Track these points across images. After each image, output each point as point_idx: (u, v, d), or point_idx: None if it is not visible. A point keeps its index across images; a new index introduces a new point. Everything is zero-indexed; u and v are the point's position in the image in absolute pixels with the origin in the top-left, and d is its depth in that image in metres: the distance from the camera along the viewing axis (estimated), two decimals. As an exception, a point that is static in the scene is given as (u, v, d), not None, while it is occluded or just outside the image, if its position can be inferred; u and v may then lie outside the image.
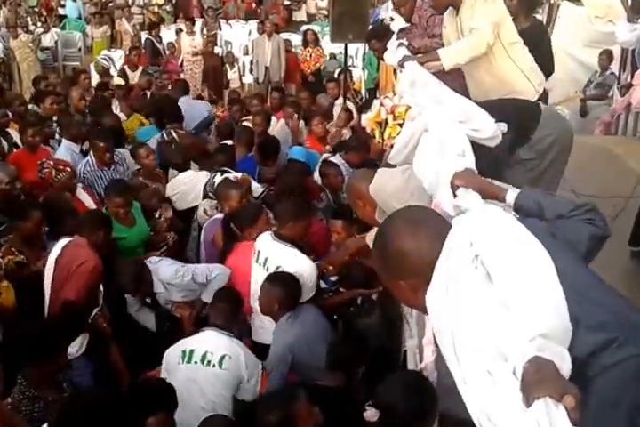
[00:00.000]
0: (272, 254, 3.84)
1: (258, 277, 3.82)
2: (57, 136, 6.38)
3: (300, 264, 3.78)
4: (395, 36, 4.73)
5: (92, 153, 5.39)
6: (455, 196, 2.06)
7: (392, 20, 6.79)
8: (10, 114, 6.79)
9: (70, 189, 4.92)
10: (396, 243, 1.73)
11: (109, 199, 4.65)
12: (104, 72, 10.50)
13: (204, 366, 3.39)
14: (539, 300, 1.47)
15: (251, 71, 11.81)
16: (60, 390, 3.23)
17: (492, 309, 1.55)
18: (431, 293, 1.67)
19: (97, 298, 4.02)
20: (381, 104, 3.11)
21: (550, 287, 1.52)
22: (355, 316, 3.98)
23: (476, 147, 2.90)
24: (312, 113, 6.84)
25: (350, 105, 8.18)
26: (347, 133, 6.65)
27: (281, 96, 7.99)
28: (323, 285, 4.10)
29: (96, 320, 3.93)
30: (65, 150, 5.78)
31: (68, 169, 4.96)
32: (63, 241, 3.97)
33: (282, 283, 3.59)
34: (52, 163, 5.00)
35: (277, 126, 6.62)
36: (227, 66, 11.94)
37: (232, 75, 11.91)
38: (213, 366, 3.39)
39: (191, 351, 3.43)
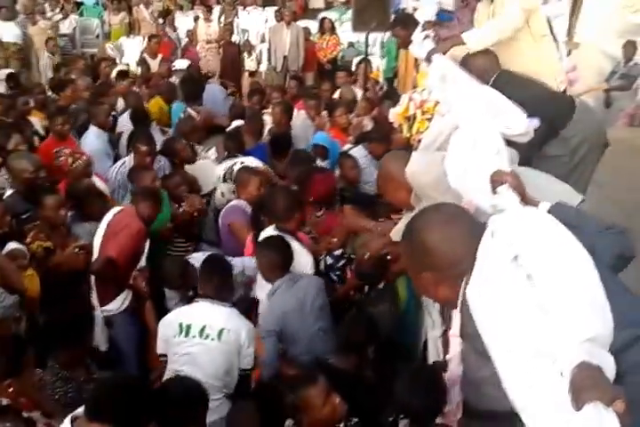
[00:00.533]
0: None
1: None
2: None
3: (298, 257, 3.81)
4: (420, 28, 4.68)
5: (132, 155, 5.36)
6: (494, 193, 2.05)
7: (415, 9, 6.76)
8: (31, 102, 6.84)
9: (87, 176, 4.95)
10: (426, 236, 1.80)
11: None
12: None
13: (202, 340, 3.45)
14: (585, 304, 1.47)
15: (268, 60, 11.74)
16: (90, 370, 3.31)
17: (530, 311, 1.55)
18: (470, 290, 1.68)
19: (138, 258, 4.27)
20: (410, 99, 3.09)
21: (595, 291, 1.52)
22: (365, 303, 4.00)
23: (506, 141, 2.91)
24: (335, 104, 6.78)
25: (371, 94, 8.16)
26: (368, 124, 6.60)
27: (299, 85, 7.98)
28: (329, 260, 4.17)
29: (135, 279, 4.20)
30: (95, 137, 5.85)
31: (84, 157, 5.02)
32: (115, 209, 4.31)
33: (273, 247, 3.69)
34: (67, 151, 5.04)
35: (298, 118, 6.61)
36: (244, 54, 11.87)
37: (249, 63, 11.83)
38: (212, 339, 3.45)
39: (188, 326, 3.48)
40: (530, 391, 1.40)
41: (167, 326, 3.57)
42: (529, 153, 3.12)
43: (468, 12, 4.71)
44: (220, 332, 3.46)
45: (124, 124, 6.49)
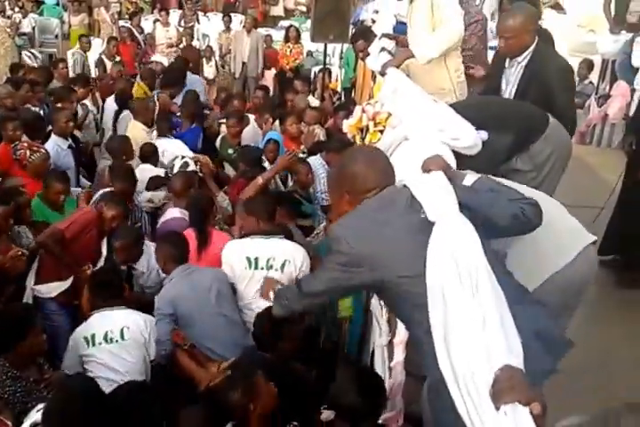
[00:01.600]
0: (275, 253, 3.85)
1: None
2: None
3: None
4: (377, 41, 4.77)
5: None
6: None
7: (374, 22, 6.85)
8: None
9: (45, 170, 4.91)
10: (353, 165, 2.36)
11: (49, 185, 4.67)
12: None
13: (108, 344, 3.57)
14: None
15: (222, 66, 11.79)
16: (42, 370, 3.30)
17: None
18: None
19: (89, 250, 4.31)
20: (363, 110, 3.14)
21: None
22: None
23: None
24: (286, 113, 6.77)
25: (327, 104, 8.22)
26: (320, 133, 6.64)
27: (264, 96, 8.00)
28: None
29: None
30: (52, 146, 5.60)
31: (42, 150, 4.95)
32: None
33: (170, 241, 3.94)
34: (25, 144, 4.97)
35: (249, 126, 6.66)
36: (203, 60, 11.81)
37: (208, 69, 11.77)
38: (116, 341, 3.58)
39: (93, 335, 3.58)
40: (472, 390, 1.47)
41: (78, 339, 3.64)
42: (492, 162, 3.20)
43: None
44: (121, 330, 3.60)
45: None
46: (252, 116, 6.89)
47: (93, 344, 3.59)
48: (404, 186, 2.18)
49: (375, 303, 3.85)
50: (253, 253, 3.81)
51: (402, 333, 3.05)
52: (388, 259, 2.04)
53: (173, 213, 4.64)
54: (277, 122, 6.75)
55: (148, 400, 2.90)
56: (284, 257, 3.81)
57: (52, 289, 4.17)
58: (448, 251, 1.77)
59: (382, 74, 3.95)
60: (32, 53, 12.05)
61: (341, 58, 11.30)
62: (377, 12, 6.30)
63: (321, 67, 9.84)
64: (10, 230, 4.23)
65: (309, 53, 12.05)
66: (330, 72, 10.47)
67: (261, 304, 3.64)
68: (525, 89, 3.68)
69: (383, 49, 4.43)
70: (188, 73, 8.22)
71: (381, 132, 3.14)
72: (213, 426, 2.84)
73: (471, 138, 3.05)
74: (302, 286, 2.49)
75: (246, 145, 6.22)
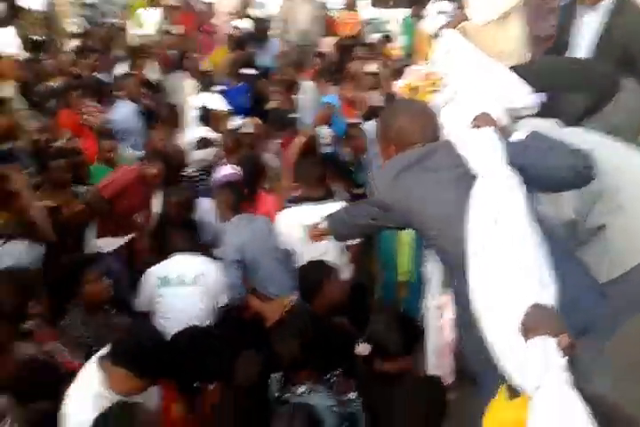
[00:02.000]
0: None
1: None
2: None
3: None
4: (433, 3, 4.68)
5: None
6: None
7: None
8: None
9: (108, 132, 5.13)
10: (401, 120, 2.41)
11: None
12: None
13: (180, 287, 3.78)
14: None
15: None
16: (109, 316, 3.56)
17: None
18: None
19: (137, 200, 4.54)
20: (415, 71, 3.11)
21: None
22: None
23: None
24: (342, 78, 6.74)
25: (385, 71, 8.10)
26: (376, 99, 6.58)
27: (322, 62, 7.97)
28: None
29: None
30: (122, 110, 5.89)
31: (102, 114, 5.17)
32: None
33: (230, 188, 4.19)
34: (90, 108, 5.17)
35: (306, 94, 6.69)
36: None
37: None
38: (188, 285, 3.79)
39: (165, 277, 3.81)
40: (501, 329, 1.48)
41: (150, 281, 3.88)
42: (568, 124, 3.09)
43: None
44: (196, 276, 3.80)
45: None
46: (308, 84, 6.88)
47: (166, 285, 3.78)
48: (449, 140, 2.17)
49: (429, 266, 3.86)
50: (308, 222, 3.82)
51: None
52: (422, 207, 2.07)
53: (226, 169, 4.75)
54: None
55: (213, 345, 3.06)
56: None
57: (109, 244, 4.32)
58: (489, 204, 1.75)
59: (437, 36, 3.87)
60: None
61: (403, 26, 11.11)
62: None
63: (382, 34, 9.70)
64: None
65: (369, 22, 11.85)
66: (389, 39, 10.29)
67: None
68: (602, 44, 3.51)
69: (440, 12, 4.34)
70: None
71: (433, 92, 3.10)
72: (268, 371, 3.04)
73: (526, 99, 2.98)
74: (347, 215, 2.68)
75: (276, 108, 6.27)
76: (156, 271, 3.85)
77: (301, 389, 2.98)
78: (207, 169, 5.15)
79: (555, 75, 3.19)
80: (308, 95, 6.67)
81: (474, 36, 4.22)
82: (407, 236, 4.45)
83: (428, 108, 2.54)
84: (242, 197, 4.15)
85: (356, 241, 4.23)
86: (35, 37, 8.68)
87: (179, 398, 3.03)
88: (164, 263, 3.90)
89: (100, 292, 3.50)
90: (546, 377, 1.19)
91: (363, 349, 2.88)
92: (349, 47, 9.63)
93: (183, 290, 3.76)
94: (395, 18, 11.16)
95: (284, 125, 5.64)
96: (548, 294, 1.43)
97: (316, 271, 3.58)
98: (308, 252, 3.89)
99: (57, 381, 2.70)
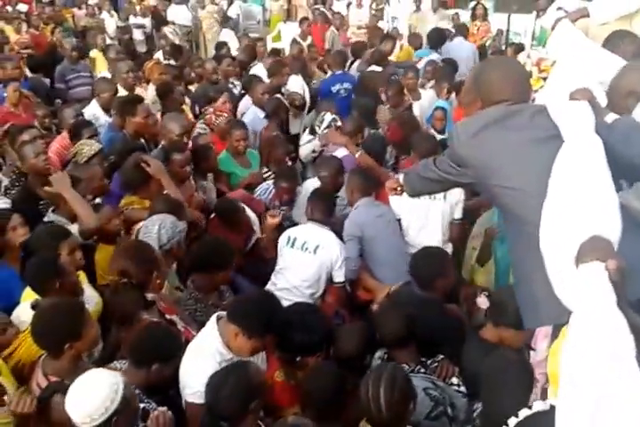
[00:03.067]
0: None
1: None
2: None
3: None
4: (557, 1, 4.59)
5: None
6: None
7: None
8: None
9: (227, 132, 5.28)
10: (493, 75, 2.36)
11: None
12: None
13: (301, 251, 4.04)
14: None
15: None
16: (222, 297, 3.66)
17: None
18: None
19: None
20: (528, 56, 3.11)
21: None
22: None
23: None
24: (461, 85, 6.64)
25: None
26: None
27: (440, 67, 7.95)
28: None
29: None
30: (251, 115, 6.10)
31: (225, 114, 5.40)
32: None
33: (361, 174, 4.39)
34: (211, 109, 5.43)
35: (428, 95, 6.73)
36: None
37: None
38: (309, 252, 4.02)
39: (295, 238, 4.08)
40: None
41: (281, 239, 4.16)
42: None
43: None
44: (317, 246, 4.01)
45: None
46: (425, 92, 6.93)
47: (291, 245, 4.08)
48: (543, 105, 2.18)
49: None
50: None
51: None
52: (501, 163, 2.07)
53: (342, 151, 5.05)
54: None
55: (317, 322, 3.13)
56: None
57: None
58: (574, 161, 1.77)
59: (553, 28, 3.82)
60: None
61: (533, 38, 10.87)
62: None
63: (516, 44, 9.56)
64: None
65: (500, 32, 11.69)
66: (520, 48, 10.14)
67: None
68: None
69: (560, 8, 4.27)
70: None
71: (544, 79, 3.09)
72: (368, 346, 3.10)
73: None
74: (421, 171, 2.67)
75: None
76: (290, 231, 4.17)
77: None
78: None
79: None
80: (422, 102, 6.69)
81: (596, 35, 4.13)
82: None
83: (522, 67, 2.52)
84: (371, 182, 4.35)
85: (458, 221, 4.45)
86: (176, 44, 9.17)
87: (281, 366, 3.14)
88: (299, 226, 4.24)
89: (224, 279, 3.64)
90: (592, 297, 1.21)
91: (482, 301, 3.01)
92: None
93: (302, 255, 4.02)
94: (526, 31, 10.96)
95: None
96: (610, 230, 1.44)
97: (432, 263, 3.62)
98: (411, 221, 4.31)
99: (177, 346, 2.83)
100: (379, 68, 7.52)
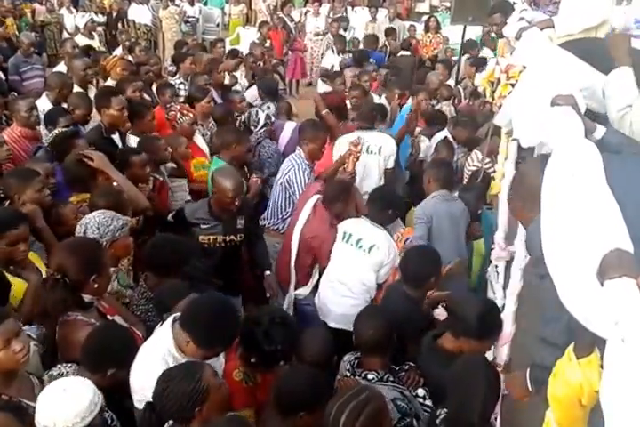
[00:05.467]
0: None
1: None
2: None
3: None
4: (517, 12, 4.53)
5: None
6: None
7: (515, 3, 6.52)
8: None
9: (191, 132, 5.06)
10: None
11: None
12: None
13: (354, 247, 3.97)
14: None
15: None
16: None
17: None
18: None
19: None
20: (497, 63, 2.99)
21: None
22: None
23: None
24: (418, 89, 6.65)
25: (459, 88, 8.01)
26: (448, 110, 6.57)
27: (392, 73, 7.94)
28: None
29: None
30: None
31: (191, 114, 5.13)
32: None
33: (439, 165, 4.52)
34: (178, 107, 5.18)
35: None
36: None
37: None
38: (362, 250, 3.94)
39: (350, 235, 4.01)
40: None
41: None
42: None
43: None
44: (371, 247, 3.93)
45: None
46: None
47: (346, 240, 3.99)
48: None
49: (491, 270, 3.73)
50: None
51: (515, 285, 2.93)
52: None
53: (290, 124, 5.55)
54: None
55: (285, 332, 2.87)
56: None
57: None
58: (567, 165, 1.61)
59: (518, 38, 3.72)
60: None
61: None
62: (519, -6, 5.96)
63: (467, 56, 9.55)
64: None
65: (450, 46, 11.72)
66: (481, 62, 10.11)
67: None
68: None
69: (521, 19, 4.20)
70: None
71: (512, 85, 2.97)
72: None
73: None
74: None
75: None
76: (346, 225, 4.05)
77: (371, 375, 2.86)
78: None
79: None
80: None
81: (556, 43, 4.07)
82: (481, 245, 4.47)
83: None
84: (448, 173, 4.45)
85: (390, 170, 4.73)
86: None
87: (242, 364, 2.92)
88: (355, 221, 4.09)
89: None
90: (625, 313, 1.06)
91: (440, 312, 2.92)
92: (428, 68, 9.61)
93: (355, 252, 3.93)
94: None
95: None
96: (627, 242, 1.29)
97: (425, 262, 3.47)
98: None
99: (133, 348, 2.59)
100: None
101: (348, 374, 2.94)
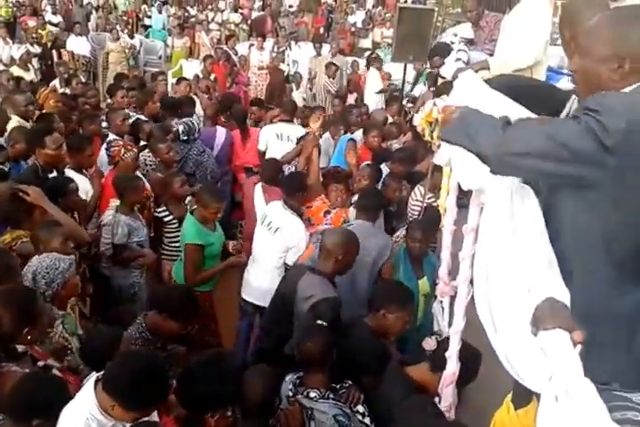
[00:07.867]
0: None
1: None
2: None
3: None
4: (453, 53, 4.67)
5: None
6: None
7: (452, 43, 6.74)
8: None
9: (134, 169, 4.98)
10: None
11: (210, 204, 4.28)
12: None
13: (263, 226, 4.35)
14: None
15: (310, 89, 11.91)
16: (167, 343, 3.40)
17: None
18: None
19: None
20: (434, 104, 3.02)
21: None
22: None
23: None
24: (370, 125, 6.73)
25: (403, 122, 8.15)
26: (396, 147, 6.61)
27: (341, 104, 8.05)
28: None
29: None
30: None
31: (135, 150, 5.05)
32: None
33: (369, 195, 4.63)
34: (120, 142, 5.08)
35: (322, 138, 6.69)
36: (293, 85, 11.92)
37: (297, 95, 11.83)
38: (268, 229, 4.31)
39: (265, 216, 4.40)
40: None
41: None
42: None
43: (482, 33, 4.76)
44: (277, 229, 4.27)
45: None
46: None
47: (262, 222, 4.37)
48: None
49: (436, 306, 3.73)
50: None
51: (458, 324, 2.93)
52: None
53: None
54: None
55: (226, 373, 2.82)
56: None
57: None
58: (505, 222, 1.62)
59: (454, 78, 3.82)
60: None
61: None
62: (456, 35, 6.17)
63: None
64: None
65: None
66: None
67: None
68: None
69: (458, 59, 4.33)
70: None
71: (450, 125, 3.00)
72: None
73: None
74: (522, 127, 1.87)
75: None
76: (266, 207, 4.48)
77: (313, 393, 2.94)
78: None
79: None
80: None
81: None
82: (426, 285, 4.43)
83: None
84: (378, 207, 4.60)
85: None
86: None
87: (176, 419, 2.79)
88: (273, 204, 4.45)
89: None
90: (559, 369, 1.05)
91: (431, 344, 2.91)
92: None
93: (266, 234, 4.27)
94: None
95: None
96: (561, 292, 1.30)
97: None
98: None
99: (61, 397, 2.40)
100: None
101: (291, 394, 2.97)
